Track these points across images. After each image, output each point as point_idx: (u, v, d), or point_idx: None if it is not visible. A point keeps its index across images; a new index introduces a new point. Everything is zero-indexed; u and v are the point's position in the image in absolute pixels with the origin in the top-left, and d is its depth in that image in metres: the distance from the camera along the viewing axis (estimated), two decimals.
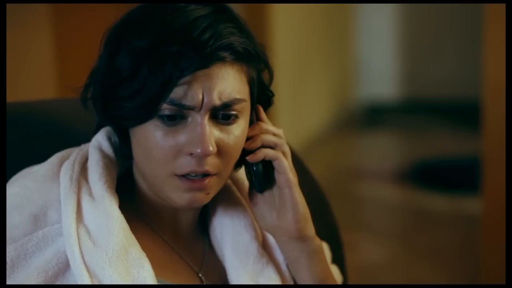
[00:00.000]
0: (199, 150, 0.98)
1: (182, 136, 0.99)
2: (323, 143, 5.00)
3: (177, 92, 0.98)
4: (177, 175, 1.01)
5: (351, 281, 1.40)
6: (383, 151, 5.11)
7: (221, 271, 1.11)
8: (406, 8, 5.97)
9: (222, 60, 0.99)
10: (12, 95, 1.31)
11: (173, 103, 0.98)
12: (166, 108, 0.98)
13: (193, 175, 1.01)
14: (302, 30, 4.76)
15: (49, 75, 2.67)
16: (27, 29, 2.56)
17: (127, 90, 0.99)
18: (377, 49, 6.08)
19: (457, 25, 5.83)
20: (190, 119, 0.99)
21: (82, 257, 0.98)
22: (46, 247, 1.00)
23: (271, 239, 1.12)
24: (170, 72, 0.97)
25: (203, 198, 1.03)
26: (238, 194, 1.14)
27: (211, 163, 1.01)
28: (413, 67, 6.06)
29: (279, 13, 4.19)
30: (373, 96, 6.10)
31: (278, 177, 1.07)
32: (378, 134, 5.48)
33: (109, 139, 1.08)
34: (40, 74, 2.66)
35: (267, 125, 1.08)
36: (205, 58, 0.98)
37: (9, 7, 1.91)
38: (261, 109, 1.09)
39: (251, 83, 1.04)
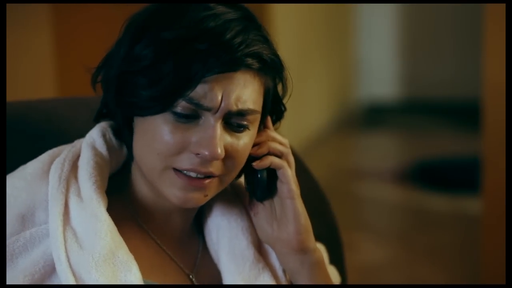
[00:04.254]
0: (207, 153, 0.97)
1: (191, 135, 0.98)
2: (323, 143, 5.00)
3: (197, 91, 0.96)
4: (174, 169, 0.99)
5: (351, 281, 1.39)
6: (383, 151, 5.11)
7: (215, 273, 1.09)
8: (406, 8, 5.97)
9: (248, 67, 0.98)
10: (12, 95, 1.31)
11: (191, 101, 0.97)
12: (181, 105, 0.97)
13: (193, 174, 0.99)
14: (302, 30, 4.76)
15: (49, 75, 2.67)
16: (27, 29, 2.56)
17: (146, 78, 0.97)
18: (377, 49, 6.08)
19: (457, 25, 5.83)
20: (203, 119, 0.98)
21: (68, 260, 0.96)
22: (33, 247, 0.98)
23: None
24: (196, 70, 0.95)
25: (200, 199, 1.01)
26: (236, 196, 1.12)
27: (216, 166, 1.00)
28: (413, 67, 6.06)
29: (279, 13, 4.19)
30: (373, 96, 6.10)
31: (280, 187, 1.06)
32: (378, 134, 5.48)
33: (104, 136, 1.06)
34: (40, 74, 2.66)
35: (274, 133, 1.07)
36: (233, 62, 0.96)
37: (9, 7, 1.91)
38: (268, 118, 1.08)
39: (266, 95, 1.04)
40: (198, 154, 0.98)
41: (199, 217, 1.12)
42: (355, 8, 5.96)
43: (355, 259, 3.10)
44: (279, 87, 1.07)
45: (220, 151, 0.97)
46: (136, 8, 1.05)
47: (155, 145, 0.98)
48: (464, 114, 5.36)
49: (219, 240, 1.09)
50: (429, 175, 4.24)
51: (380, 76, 6.10)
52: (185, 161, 0.99)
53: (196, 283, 1.07)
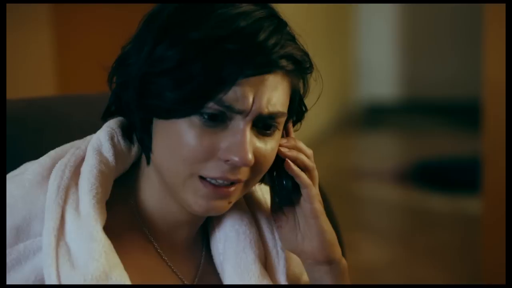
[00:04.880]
0: (237, 159, 0.93)
1: (220, 140, 0.94)
2: (323, 143, 5.00)
3: (228, 94, 0.91)
4: (200, 176, 0.95)
5: (351, 281, 1.39)
6: (383, 151, 5.11)
7: (217, 284, 1.06)
8: (406, 8, 5.98)
9: (282, 69, 0.95)
10: (12, 95, 1.31)
11: (222, 104, 0.92)
12: (210, 107, 0.92)
13: (220, 181, 0.95)
14: (302, 30, 4.76)
15: (49, 75, 2.67)
16: (27, 29, 2.56)
17: (171, 80, 0.92)
18: (377, 49, 6.08)
19: (457, 25, 5.83)
20: (232, 122, 0.94)
21: (59, 279, 0.92)
22: (26, 261, 0.94)
23: (274, 258, 1.08)
24: (229, 72, 0.91)
25: (223, 207, 0.98)
26: (246, 207, 1.09)
27: (244, 171, 0.96)
28: (413, 67, 6.06)
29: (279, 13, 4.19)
30: (373, 96, 6.10)
31: (304, 204, 1.03)
32: (378, 134, 5.48)
33: (111, 139, 1.01)
34: (40, 74, 2.66)
35: (300, 143, 1.04)
36: (268, 64, 0.93)
37: (9, 7, 1.91)
38: (290, 125, 1.05)
39: (292, 96, 1.00)
40: (228, 160, 0.94)
41: (205, 223, 1.08)
42: (355, 8, 5.96)
43: (355, 259, 3.10)
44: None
45: (250, 157, 0.93)
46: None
47: (181, 151, 0.94)
48: (464, 114, 5.36)
49: (225, 251, 1.05)
50: (429, 175, 4.24)
51: (380, 76, 6.10)
52: (214, 169, 0.94)
53: None
